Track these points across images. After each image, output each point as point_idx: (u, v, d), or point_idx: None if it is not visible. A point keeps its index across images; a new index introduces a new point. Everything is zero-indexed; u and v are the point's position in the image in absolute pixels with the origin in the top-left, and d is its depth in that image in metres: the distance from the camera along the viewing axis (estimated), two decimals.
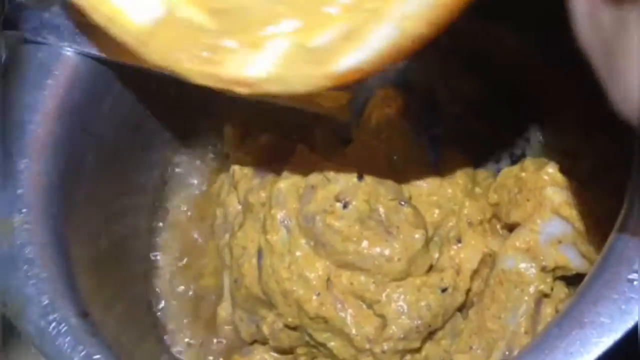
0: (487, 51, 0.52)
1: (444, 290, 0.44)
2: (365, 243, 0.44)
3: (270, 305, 0.46)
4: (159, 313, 0.53)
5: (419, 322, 0.44)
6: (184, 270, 0.54)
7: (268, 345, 0.49)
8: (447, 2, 0.30)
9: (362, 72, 0.32)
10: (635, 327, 0.33)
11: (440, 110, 0.49)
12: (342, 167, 0.46)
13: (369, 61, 0.31)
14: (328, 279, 0.45)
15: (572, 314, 0.35)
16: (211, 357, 0.51)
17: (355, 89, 0.51)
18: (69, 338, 0.40)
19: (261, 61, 0.34)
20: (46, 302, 0.41)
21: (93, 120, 0.49)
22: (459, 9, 0.30)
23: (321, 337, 0.46)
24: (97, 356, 0.40)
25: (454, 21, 0.30)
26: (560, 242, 0.42)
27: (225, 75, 0.35)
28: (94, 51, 0.47)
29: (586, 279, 0.36)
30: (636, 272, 0.34)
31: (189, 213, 0.56)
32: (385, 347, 0.44)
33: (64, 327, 0.41)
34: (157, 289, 0.53)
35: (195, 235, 0.55)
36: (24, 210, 0.44)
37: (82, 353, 0.40)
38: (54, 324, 0.41)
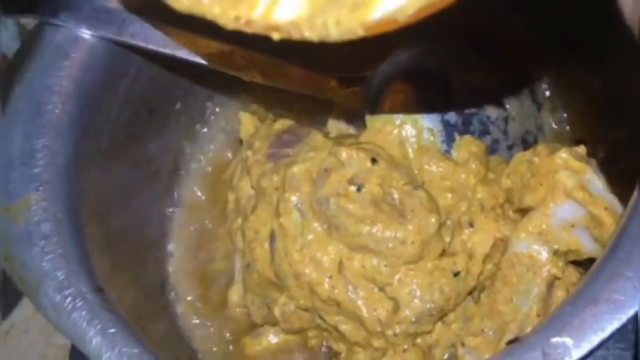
0: (503, 41, 0.52)
1: (456, 274, 0.45)
2: (379, 226, 0.44)
3: (282, 288, 0.47)
4: (171, 295, 0.53)
5: (432, 305, 0.44)
6: (196, 254, 0.54)
7: (278, 327, 0.49)
8: None
9: (397, 22, 0.32)
10: None
11: (455, 96, 0.49)
12: (355, 150, 0.46)
13: (404, 10, 0.31)
14: (340, 262, 0.45)
15: (586, 291, 0.35)
16: (222, 339, 0.51)
17: (369, 76, 0.52)
18: (84, 312, 0.40)
19: (293, 3, 0.34)
20: (62, 277, 0.42)
21: (108, 103, 0.50)
22: None
23: (333, 319, 0.46)
24: (112, 330, 0.40)
25: None
26: (573, 226, 0.42)
27: (255, 18, 0.35)
28: (111, 34, 0.48)
29: (600, 258, 0.36)
30: None
31: (202, 197, 0.56)
32: (398, 330, 0.44)
33: (79, 301, 0.41)
34: (169, 272, 0.54)
35: (207, 220, 0.55)
36: (41, 188, 0.44)
37: (98, 327, 0.40)
38: (69, 299, 0.41)
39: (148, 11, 0.48)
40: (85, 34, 0.48)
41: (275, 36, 0.36)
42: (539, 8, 0.50)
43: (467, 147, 0.48)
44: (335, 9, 0.34)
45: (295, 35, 0.36)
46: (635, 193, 0.37)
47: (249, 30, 0.37)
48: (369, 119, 0.50)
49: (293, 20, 0.34)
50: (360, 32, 0.33)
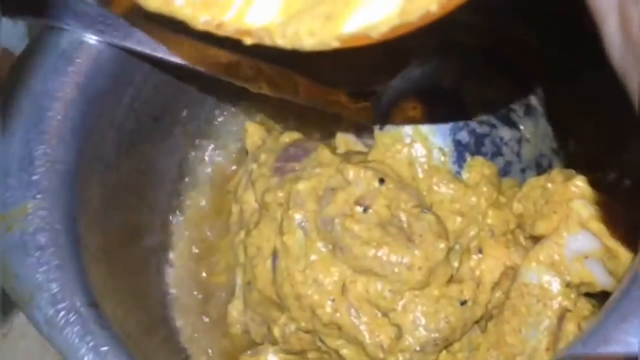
0: (519, 59, 0.51)
1: (463, 303, 0.43)
2: (385, 249, 0.43)
3: (283, 308, 0.45)
4: (169, 308, 0.52)
5: (437, 335, 0.42)
6: (196, 266, 0.53)
7: (278, 347, 0.47)
8: None
9: (370, 38, 0.30)
10: None
11: (467, 115, 0.47)
12: (363, 170, 0.45)
13: (376, 28, 0.30)
14: (343, 285, 0.44)
15: (598, 330, 0.33)
16: (219, 355, 0.50)
17: (380, 91, 0.50)
18: (77, 328, 0.39)
19: (266, 9, 0.32)
20: (56, 290, 0.40)
21: (113, 110, 0.49)
22: None
23: (334, 343, 0.45)
24: (105, 348, 0.39)
25: (463, 4, 0.29)
26: (586, 257, 0.40)
27: (227, 21, 0.34)
28: (117, 40, 0.47)
29: (614, 294, 0.35)
30: None
31: (205, 208, 0.55)
32: (400, 358, 0.43)
33: (73, 316, 0.40)
34: (168, 284, 0.52)
35: (210, 231, 0.54)
36: (39, 196, 0.43)
37: (91, 344, 0.39)
38: (62, 313, 0.40)
39: (155, 18, 0.47)
40: (91, 39, 0.47)
41: (248, 41, 0.34)
42: (557, 24, 0.48)
43: (479, 168, 0.46)
44: (309, 18, 0.32)
45: (268, 42, 0.34)
46: None
47: (220, 33, 0.36)
48: (377, 134, 0.48)
49: (265, 26, 0.33)
50: (335, 44, 0.32)
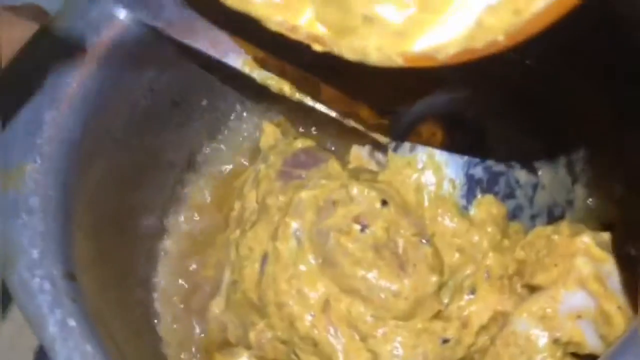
0: (549, 104, 0.49)
1: (445, 341, 0.41)
2: (375, 272, 0.42)
3: (263, 314, 0.44)
4: (152, 294, 0.51)
5: None
6: (188, 257, 0.52)
7: (252, 352, 0.46)
8: (534, 17, 0.29)
9: (436, 60, 0.31)
10: None
11: (486, 151, 0.46)
12: (368, 188, 0.44)
13: (444, 49, 0.30)
14: (326, 301, 0.42)
15: None
16: (193, 348, 0.49)
17: (401, 111, 0.49)
18: (49, 298, 0.39)
19: None
20: (36, 256, 0.40)
21: (131, 87, 0.48)
22: (543, 26, 0.29)
23: (308, 359, 0.43)
24: (73, 323, 0.38)
25: (531, 37, 0.29)
26: (580, 316, 0.38)
27: (300, 25, 0.34)
28: (146, 18, 0.46)
29: (602, 357, 0.33)
30: None
31: (207, 200, 0.54)
32: None
33: (47, 285, 0.39)
34: (155, 270, 0.52)
35: (208, 224, 0.53)
36: (38, 160, 0.43)
37: (58, 316, 0.38)
38: (37, 280, 0.39)
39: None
40: (121, 13, 0.46)
41: (317, 48, 0.35)
42: (595, 73, 0.47)
43: (487, 207, 0.44)
44: (379, 33, 0.33)
45: (335, 51, 0.35)
46: None
47: (292, 35, 0.36)
48: (391, 156, 0.47)
49: (335, 37, 0.33)
50: (399, 62, 0.32)
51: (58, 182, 0.42)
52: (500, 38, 0.29)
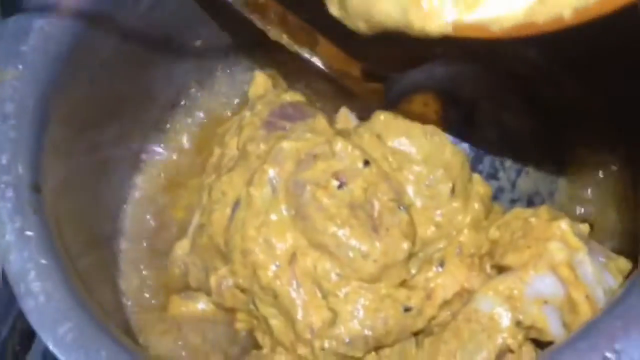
0: (547, 93, 0.48)
1: (407, 309, 0.41)
2: (347, 230, 0.41)
3: (227, 259, 0.43)
4: (118, 227, 0.50)
5: (370, 333, 0.40)
6: (159, 195, 0.51)
7: (211, 298, 0.45)
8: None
9: (489, 32, 0.30)
10: None
11: (476, 128, 0.45)
12: (352, 146, 0.43)
13: (498, 21, 0.30)
14: (293, 254, 0.41)
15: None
16: (151, 285, 0.48)
17: (396, 77, 0.48)
18: (10, 205, 0.38)
19: None
20: (4, 162, 0.39)
21: (127, 12, 0.47)
22: (614, 7, 0.28)
23: (266, 310, 0.42)
24: (30, 233, 0.37)
25: (598, 18, 0.28)
26: (546, 302, 0.38)
27: None
28: None
29: (562, 342, 0.32)
30: (616, 351, 0.30)
31: (187, 144, 0.53)
32: (327, 345, 0.41)
33: (11, 191, 0.38)
34: (125, 201, 0.50)
35: (185, 167, 0.52)
36: (20, 66, 0.41)
37: (17, 224, 0.37)
38: (2, 185, 0.38)
39: None
40: None
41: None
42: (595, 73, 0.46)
43: (474, 185, 0.44)
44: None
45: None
46: (622, 289, 0.33)
47: None
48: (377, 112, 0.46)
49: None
50: (448, 30, 0.31)
51: (37, 92, 0.41)
52: (567, 13, 0.28)
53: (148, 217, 0.50)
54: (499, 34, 0.30)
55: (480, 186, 0.44)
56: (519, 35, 0.30)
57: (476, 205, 0.43)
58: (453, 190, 0.43)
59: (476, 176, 0.44)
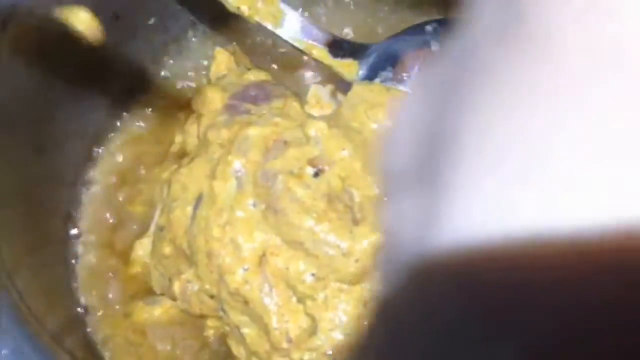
0: None
1: None
2: (325, 225, 0.36)
3: (191, 262, 0.38)
4: (75, 225, 0.45)
5: (353, 342, 0.36)
6: (116, 188, 0.45)
7: (177, 304, 0.40)
8: None
9: None
10: None
11: None
12: (329, 130, 0.38)
13: None
14: (263, 255, 0.37)
15: None
16: (113, 292, 0.43)
17: (371, 48, 0.43)
18: None
19: None
20: None
21: None
22: None
23: (237, 318, 0.38)
24: None
25: None
26: None
27: None
28: None
29: None
30: None
31: (144, 131, 0.47)
32: (306, 358, 0.36)
33: None
34: (80, 201, 0.45)
35: (144, 156, 0.46)
36: None
37: None
38: None
39: None
40: None
41: None
42: None
43: None
44: None
45: None
46: None
47: None
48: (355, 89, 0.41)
49: None
50: None
51: None
52: None
53: (107, 215, 0.44)
54: None
55: None
56: None
57: None
58: None
59: None
